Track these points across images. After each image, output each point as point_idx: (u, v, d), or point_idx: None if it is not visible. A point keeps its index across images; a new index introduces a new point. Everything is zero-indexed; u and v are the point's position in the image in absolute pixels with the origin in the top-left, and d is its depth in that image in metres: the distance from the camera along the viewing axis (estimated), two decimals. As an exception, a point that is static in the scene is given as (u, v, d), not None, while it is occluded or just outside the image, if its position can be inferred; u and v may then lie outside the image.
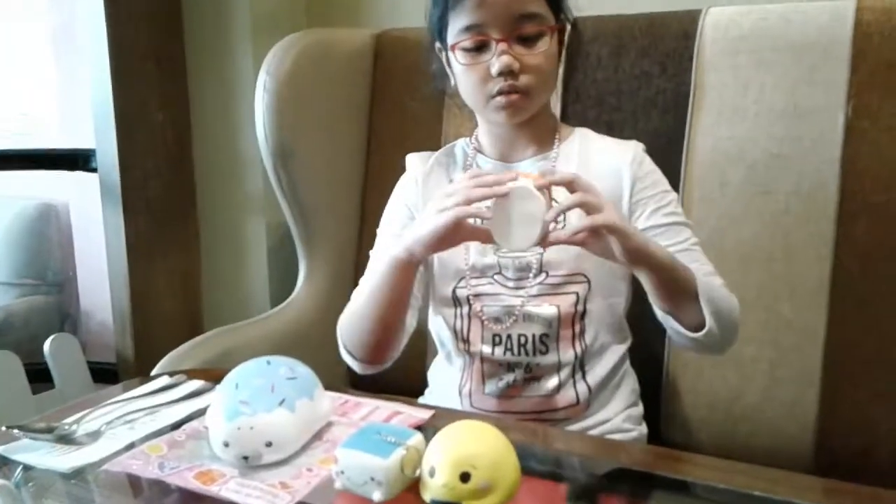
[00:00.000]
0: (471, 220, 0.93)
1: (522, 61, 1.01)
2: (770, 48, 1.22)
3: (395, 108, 1.53)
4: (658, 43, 1.30)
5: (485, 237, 0.92)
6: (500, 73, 1.01)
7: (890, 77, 1.15)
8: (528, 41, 1.02)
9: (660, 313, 1.00)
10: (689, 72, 1.27)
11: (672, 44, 1.29)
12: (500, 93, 1.02)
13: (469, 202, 0.89)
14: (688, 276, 0.96)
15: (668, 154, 1.25)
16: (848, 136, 1.17)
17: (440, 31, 1.07)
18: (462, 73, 1.05)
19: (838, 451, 1.19)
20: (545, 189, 0.89)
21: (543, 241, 0.89)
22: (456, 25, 1.03)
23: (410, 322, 1.09)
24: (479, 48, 1.02)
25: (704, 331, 0.95)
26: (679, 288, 0.95)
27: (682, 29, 1.28)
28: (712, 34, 1.26)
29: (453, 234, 0.92)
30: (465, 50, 1.03)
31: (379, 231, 1.17)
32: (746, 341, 1.22)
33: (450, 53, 1.06)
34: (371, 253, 1.15)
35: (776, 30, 1.22)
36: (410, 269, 1.00)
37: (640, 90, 1.30)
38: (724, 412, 1.25)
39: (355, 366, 1.10)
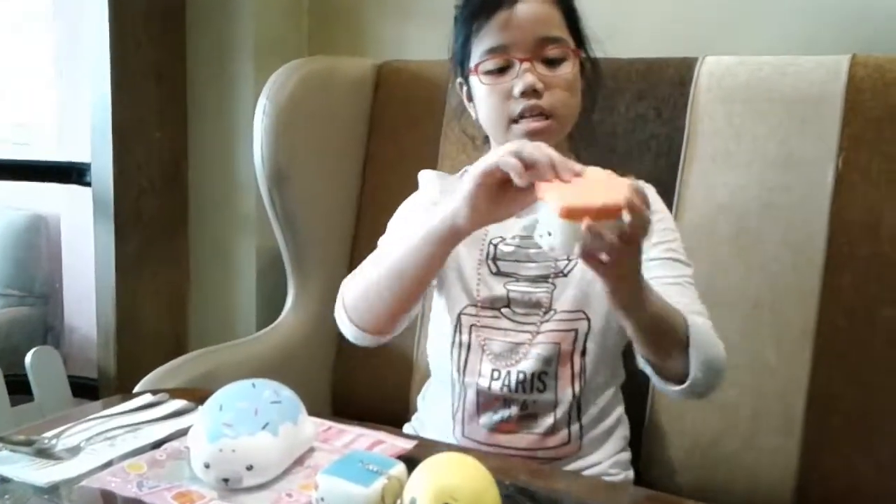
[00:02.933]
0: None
1: (546, 81, 1.01)
2: (764, 99, 1.24)
3: (393, 137, 1.55)
4: (654, 88, 1.32)
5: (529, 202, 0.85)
6: (523, 93, 1.00)
7: (880, 132, 1.17)
8: (551, 63, 1.02)
9: (641, 361, 0.97)
10: (684, 118, 1.29)
11: (668, 89, 1.31)
12: (522, 116, 1.01)
13: (517, 156, 0.82)
14: (678, 326, 0.92)
15: (660, 198, 1.27)
16: (837, 189, 1.18)
17: (462, 61, 1.07)
18: (484, 96, 1.04)
19: (818, 502, 1.19)
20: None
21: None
22: (479, 48, 1.03)
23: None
24: (502, 70, 1.02)
25: (688, 383, 0.93)
26: (667, 340, 0.92)
27: (679, 75, 1.31)
28: (707, 82, 1.28)
29: (502, 194, 0.85)
30: (488, 71, 1.03)
31: (390, 226, 1.13)
32: (730, 386, 1.23)
33: (471, 78, 1.06)
34: (380, 241, 1.11)
35: (771, 81, 1.25)
36: (450, 242, 0.93)
37: (635, 133, 1.32)
38: (705, 456, 1.25)
39: (355, 336, 1.04)
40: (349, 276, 1.07)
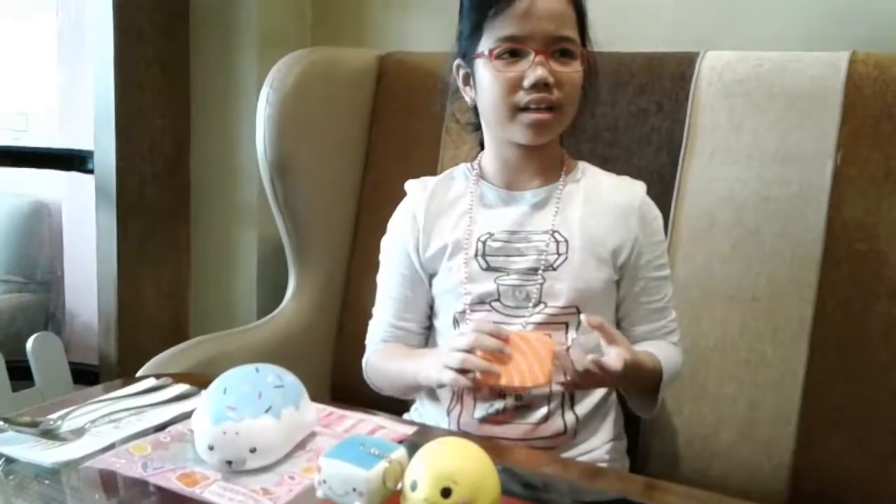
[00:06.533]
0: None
1: (556, 77, 1.02)
2: (764, 94, 1.25)
3: (395, 129, 1.55)
4: (655, 82, 1.33)
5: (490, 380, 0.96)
6: (534, 85, 1.01)
7: (879, 128, 1.18)
8: (563, 60, 1.03)
9: None
10: (685, 112, 1.30)
11: (669, 84, 1.32)
12: (528, 107, 1.02)
13: (464, 367, 0.94)
14: (652, 378, 1.04)
15: (660, 191, 1.27)
16: (836, 184, 1.19)
17: (469, 44, 1.07)
18: (491, 82, 1.04)
19: (811, 494, 1.20)
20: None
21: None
22: (493, 34, 1.03)
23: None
24: (515, 59, 1.02)
25: (650, 415, 1.09)
26: (642, 390, 1.07)
27: (680, 70, 1.31)
28: (708, 76, 1.29)
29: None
30: (500, 58, 1.03)
31: (381, 257, 1.19)
32: (727, 379, 1.24)
33: (478, 62, 1.05)
34: (378, 279, 1.19)
35: (771, 76, 1.25)
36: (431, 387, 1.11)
37: (636, 127, 1.33)
38: (701, 448, 1.26)
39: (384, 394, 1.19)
40: (368, 352, 1.21)
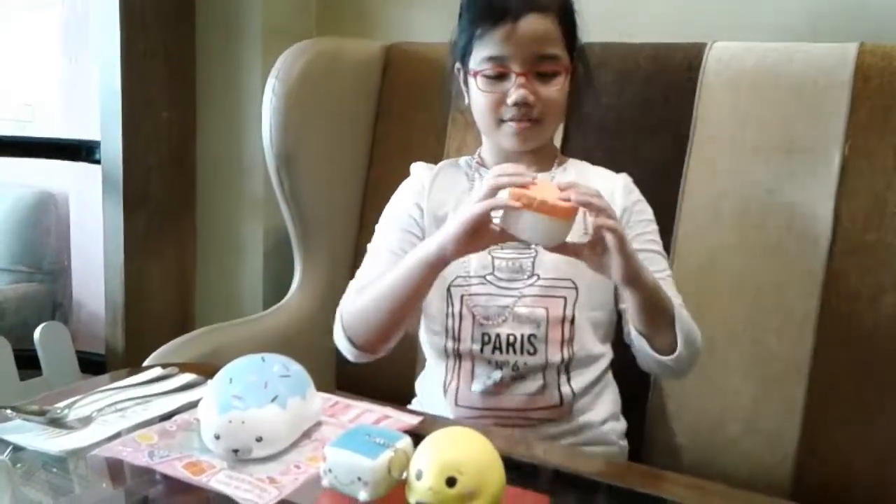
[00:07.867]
0: (497, 221, 0.94)
1: (537, 95, 1.08)
2: (771, 85, 1.25)
3: (401, 119, 1.55)
4: (662, 73, 1.32)
5: (510, 237, 0.94)
6: (516, 104, 1.07)
7: (887, 119, 1.18)
8: (544, 78, 1.09)
9: (634, 333, 1.05)
10: (691, 103, 1.29)
11: (676, 75, 1.31)
12: (512, 120, 1.09)
13: (494, 191, 0.92)
14: (668, 303, 1.02)
15: (666, 182, 1.28)
16: (843, 175, 1.19)
17: (463, 55, 1.13)
18: (478, 97, 1.11)
19: (815, 487, 1.20)
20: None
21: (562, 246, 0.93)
22: (480, 54, 1.09)
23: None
24: (499, 78, 1.09)
25: (675, 355, 1.01)
26: (659, 312, 1.01)
27: (687, 61, 1.31)
28: (716, 67, 1.29)
29: (483, 231, 0.95)
30: (486, 77, 1.09)
31: (378, 227, 1.19)
32: (732, 372, 1.24)
33: (470, 78, 1.12)
34: (369, 246, 1.18)
35: (778, 68, 1.25)
36: (439, 269, 1.01)
37: (643, 118, 1.33)
38: (706, 440, 1.26)
39: (351, 353, 1.10)
40: (346, 298, 1.13)
